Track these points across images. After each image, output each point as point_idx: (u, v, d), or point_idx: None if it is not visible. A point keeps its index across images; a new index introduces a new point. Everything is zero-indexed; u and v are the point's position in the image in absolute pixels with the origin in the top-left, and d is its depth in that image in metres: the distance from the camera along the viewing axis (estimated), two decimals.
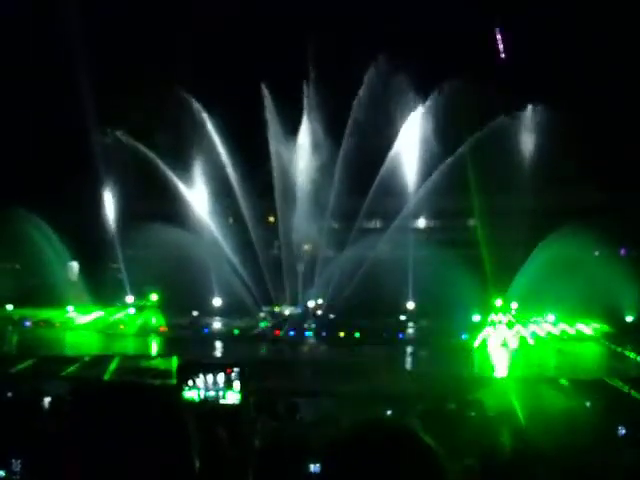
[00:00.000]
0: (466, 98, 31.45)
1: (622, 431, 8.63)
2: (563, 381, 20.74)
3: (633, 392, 17.47)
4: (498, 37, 34.70)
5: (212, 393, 10.01)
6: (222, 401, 9.83)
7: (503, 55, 35.28)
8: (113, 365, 22.38)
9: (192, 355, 26.72)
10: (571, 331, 33.16)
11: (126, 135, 38.87)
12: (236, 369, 10.09)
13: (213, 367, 10.54)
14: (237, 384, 9.93)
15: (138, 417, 1.41)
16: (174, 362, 22.51)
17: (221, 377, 10.07)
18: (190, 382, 9.93)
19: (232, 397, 9.84)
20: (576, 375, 22.67)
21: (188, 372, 10.29)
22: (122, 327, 35.54)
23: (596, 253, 36.57)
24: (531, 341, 32.26)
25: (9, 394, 12.34)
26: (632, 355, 27.79)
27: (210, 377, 10.14)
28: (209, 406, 8.96)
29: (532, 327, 33.90)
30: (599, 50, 33.93)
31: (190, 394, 9.74)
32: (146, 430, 1.40)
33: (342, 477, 1.48)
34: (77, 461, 1.35)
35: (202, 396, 9.91)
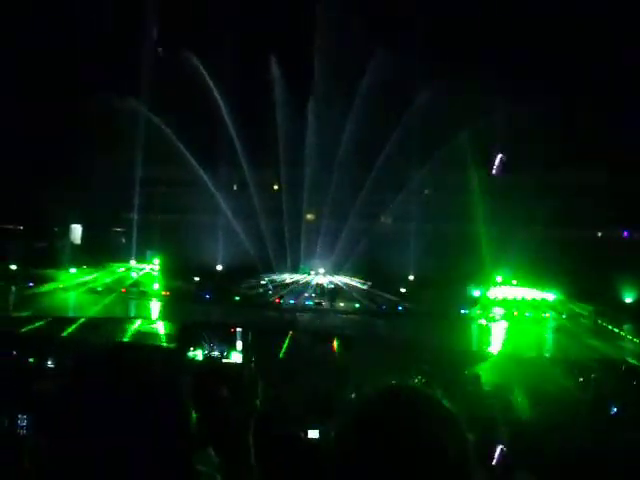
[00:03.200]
0: (470, 80, 31.14)
1: (614, 409, 8.78)
2: (558, 359, 20.97)
3: (627, 372, 17.65)
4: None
5: (215, 352, 10.09)
6: (225, 360, 9.89)
7: None
8: (114, 327, 22.62)
9: (193, 319, 27.00)
10: (570, 310, 33.34)
11: (130, 99, 38.61)
12: (239, 329, 10.15)
13: (216, 327, 10.60)
14: (240, 344, 10.00)
15: (140, 377, 1.44)
16: (176, 324, 22.78)
17: (224, 337, 10.12)
18: (194, 342, 10.01)
19: (235, 357, 9.90)
20: (571, 353, 22.90)
21: (192, 332, 10.34)
22: (124, 291, 35.78)
23: (598, 234, 36.58)
24: (529, 318, 32.48)
25: (14, 352, 12.49)
26: (628, 336, 28.00)
27: (213, 337, 10.21)
28: (212, 365, 9.06)
29: (530, 305, 34.10)
30: (589, 30, 33.51)
31: (193, 353, 9.81)
32: (147, 390, 1.42)
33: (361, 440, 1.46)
34: (77, 422, 1.39)
35: (205, 355, 9.99)
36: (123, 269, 37.89)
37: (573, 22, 34.01)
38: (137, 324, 25.00)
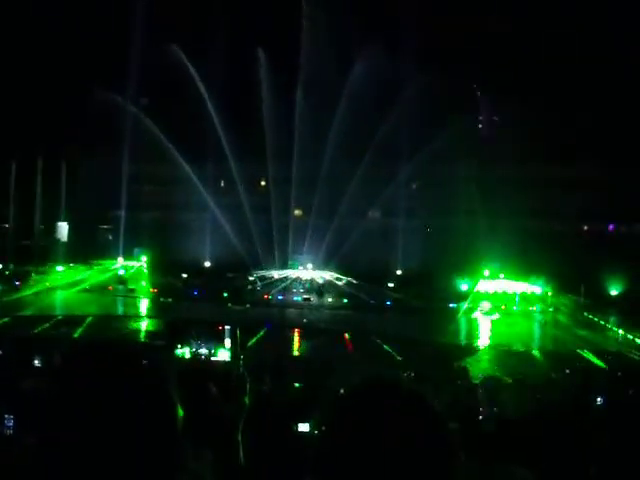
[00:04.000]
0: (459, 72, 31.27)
1: (599, 400, 8.88)
2: (544, 351, 21.15)
3: (611, 363, 17.81)
4: None
5: (203, 350, 10.06)
6: (213, 358, 9.86)
7: None
8: (99, 325, 22.51)
9: (181, 316, 26.90)
10: (556, 302, 33.60)
11: (117, 95, 38.36)
12: (227, 327, 10.12)
13: (204, 325, 10.56)
14: (228, 342, 9.98)
15: (126, 375, 1.43)
16: (164, 322, 22.70)
17: (212, 335, 10.09)
18: (181, 339, 9.98)
19: (223, 354, 9.88)
20: (558, 345, 23.10)
21: (180, 330, 10.31)
22: (110, 288, 35.57)
23: (584, 228, 36.89)
24: (516, 311, 32.70)
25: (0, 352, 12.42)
26: (614, 327, 28.28)
27: (201, 335, 10.18)
28: (200, 363, 9.01)
29: (518, 298, 34.32)
30: (586, 28, 33.76)
31: (181, 351, 9.78)
32: (134, 388, 1.41)
33: (348, 433, 1.47)
34: (63, 420, 1.38)
35: (193, 353, 9.96)
36: (114, 266, 37.73)
37: (563, 18, 34.17)
38: (124, 321, 24.91)
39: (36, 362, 10.97)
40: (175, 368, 1.57)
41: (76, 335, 19.94)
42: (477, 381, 12.68)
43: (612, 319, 29.91)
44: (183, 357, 9.59)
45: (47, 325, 22.10)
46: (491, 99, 35.03)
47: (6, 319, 22.65)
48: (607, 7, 32.20)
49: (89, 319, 23.45)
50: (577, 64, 33.90)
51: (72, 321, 23.27)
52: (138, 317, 28.20)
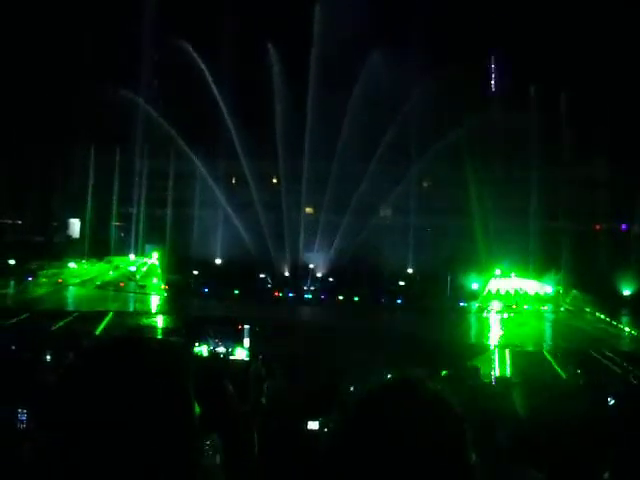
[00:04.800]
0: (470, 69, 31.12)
1: (611, 401, 8.83)
2: (556, 351, 21.04)
3: (624, 364, 17.72)
4: None
5: (221, 349, 10.03)
6: (231, 357, 9.83)
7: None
8: (112, 321, 22.64)
9: (192, 313, 27.01)
10: (568, 302, 33.42)
11: (129, 91, 38.50)
12: (246, 326, 10.09)
13: (222, 323, 10.52)
14: (247, 341, 9.94)
15: (143, 371, 1.43)
16: (177, 319, 22.78)
17: (230, 333, 10.06)
18: (198, 337, 9.96)
19: (241, 353, 9.84)
20: (569, 345, 22.96)
21: (196, 327, 10.28)
22: (122, 284, 35.77)
23: (597, 227, 36.63)
24: (527, 311, 32.55)
25: (13, 347, 12.50)
26: (626, 328, 28.08)
27: (219, 333, 10.15)
28: (217, 361, 9.01)
29: (529, 297, 34.17)
30: (592, 29, 33.48)
31: (199, 349, 9.75)
32: (150, 384, 1.41)
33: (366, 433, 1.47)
34: (77, 415, 1.38)
35: (210, 351, 9.94)
36: (125, 263, 37.93)
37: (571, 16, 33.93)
38: (138, 318, 25.03)
39: (52, 357, 11.05)
40: (193, 366, 1.55)
41: (95, 331, 20.06)
42: (488, 380, 12.65)
43: (624, 319, 29.70)
44: (201, 355, 9.57)
45: (64, 321, 22.23)
46: (505, 99, 34.84)
47: (25, 314, 22.81)
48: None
49: (109, 315, 23.57)
50: (598, 63, 33.65)
51: (88, 317, 23.43)
52: (151, 314, 28.34)
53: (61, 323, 21.75)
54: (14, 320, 21.53)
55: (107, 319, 22.66)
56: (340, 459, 1.45)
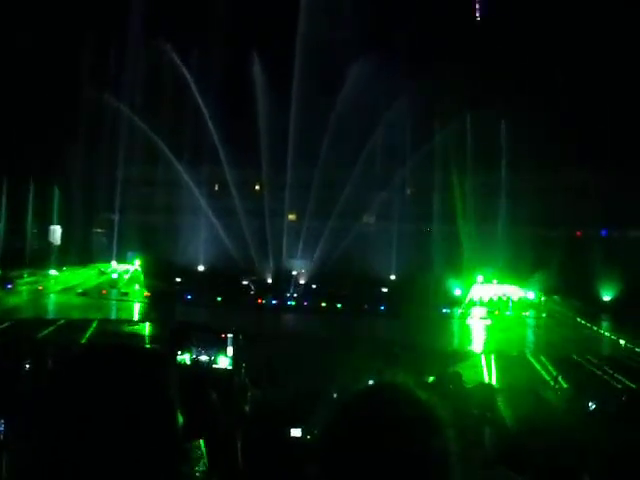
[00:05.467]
0: (453, 76, 31.39)
1: (592, 406, 8.92)
2: (538, 356, 21.21)
3: (605, 368, 17.91)
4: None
5: (204, 357, 9.96)
6: (215, 365, 9.78)
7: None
8: (95, 329, 22.41)
9: (175, 320, 26.81)
10: (549, 308, 33.72)
11: (110, 97, 38.30)
12: (230, 335, 10.03)
13: (207, 331, 10.44)
14: (230, 350, 9.88)
15: (124, 379, 1.40)
16: (161, 326, 22.59)
17: (215, 342, 9.99)
18: (183, 345, 9.88)
19: (224, 362, 9.79)
20: (551, 350, 23.13)
21: (181, 335, 10.19)
22: (104, 292, 35.47)
23: (578, 233, 37.07)
24: (510, 317, 32.80)
25: None
26: (606, 333, 28.40)
27: (203, 341, 10.08)
28: (201, 370, 8.94)
29: (511, 303, 34.43)
30: (581, 33, 33.94)
31: (182, 357, 9.69)
32: (132, 392, 1.39)
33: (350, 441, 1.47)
34: (57, 424, 1.36)
35: (193, 360, 9.87)
36: (107, 270, 37.65)
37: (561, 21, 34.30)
38: (120, 326, 24.80)
39: (32, 366, 10.88)
40: (176, 374, 1.54)
41: (67, 338, 19.82)
42: (470, 386, 12.70)
43: (605, 324, 30.05)
44: (184, 363, 9.50)
45: (48, 329, 21.94)
46: (489, 104, 35.14)
47: (7, 323, 22.49)
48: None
49: (94, 323, 23.30)
50: (583, 68, 34.07)
51: (72, 325, 23.17)
52: (134, 321, 28.11)
53: (46, 331, 21.47)
54: None
55: (92, 328, 22.41)
56: (326, 464, 1.46)
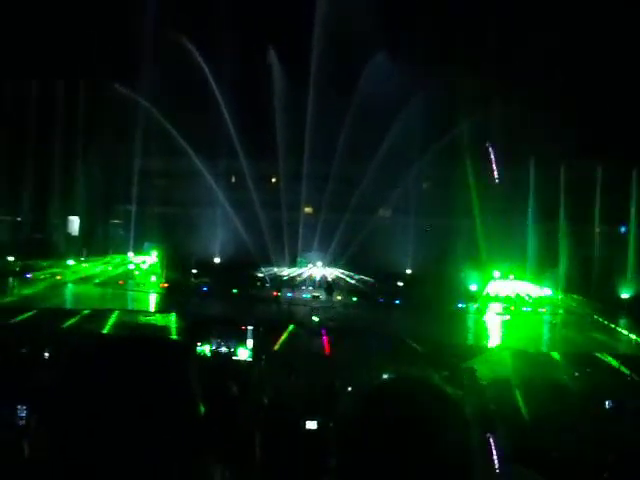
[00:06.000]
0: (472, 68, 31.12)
1: (609, 404, 8.85)
2: (554, 353, 21.06)
3: (622, 367, 17.76)
4: None
5: (224, 349, 10.03)
6: (234, 357, 9.82)
7: None
8: (113, 319, 22.59)
9: (192, 312, 26.97)
10: (566, 305, 33.45)
11: (127, 89, 38.47)
12: (250, 327, 10.09)
13: (226, 323, 10.53)
14: (250, 342, 9.94)
15: (148, 370, 1.41)
16: (180, 318, 22.73)
17: (233, 334, 10.05)
18: (203, 337, 9.95)
19: (244, 354, 9.84)
20: (567, 348, 22.98)
21: (201, 327, 10.27)
22: (122, 283, 35.76)
23: (596, 230, 36.66)
24: (526, 313, 32.58)
25: (16, 345, 12.47)
26: (624, 331, 28.12)
27: (223, 333, 10.15)
28: (221, 362, 9.01)
29: (527, 300, 34.20)
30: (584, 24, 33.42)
31: (202, 349, 9.74)
32: (156, 384, 1.40)
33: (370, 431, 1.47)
34: (76, 411, 1.37)
35: (213, 351, 9.94)
36: (124, 261, 37.94)
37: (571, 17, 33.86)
38: (139, 316, 24.97)
39: (53, 355, 11.03)
40: (197, 365, 1.54)
41: (85, 329, 20.02)
42: (485, 382, 12.66)
43: (622, 322, 29.74)
44: (204, 355, 9.56)
45: (74, 319, 22.15)
46: (505, 98, 34.82)
47: (31, 312, 22.75)
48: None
49: (114, 314, 23.45)
50: (596, 63, 33.63)
51: (80, 315, 23.35)
52: (151, 312, 28.30)
53: (72, 321, 21.67)
54: (21, 317, 21.50)
55: (113, 318, 22.58)
56: (343, 458, 1.46)
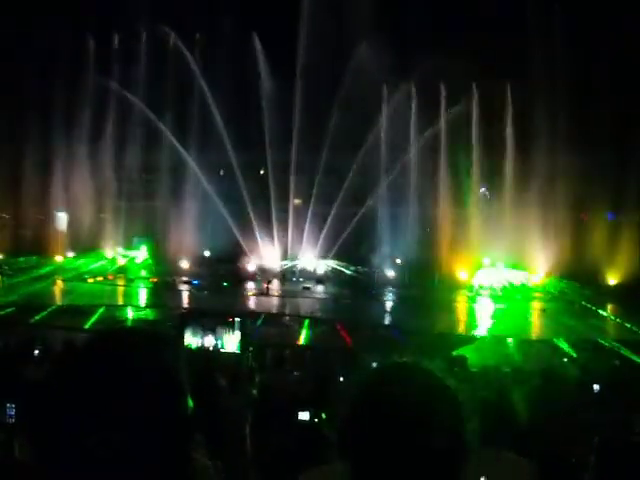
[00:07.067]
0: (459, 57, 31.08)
1: (597, 388, 8.96)
2: (544, 340, 21.25)
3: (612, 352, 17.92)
4: None
5: (212, 341, 10.03)
6: (222, 350, 9.83)
7: None
8: (102, 314, 22.52)
9: (182, 305, 26.97)
10: (555, 291, 33.71)
11: (115, 84, 38.23)
12: (237, 319, 10.08)
13: (215, 316, 10.52)
14: (238, 334, 9.94)
15: (136, 363, 1.40)
16: (168, 311, 22.68)
17: (222, 326, 10.04)
18: (191, 330, 9.92)
19: (231, 346, 9.85)
20: (556, 334, 23.16)
21: (189, 320, 10.25)
22: (111, 277, 35.62)
23: (584, 216, 36.90)
24: (515, 300, 32.80)
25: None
26: (611, 317, 28.39)
27: (211, 326, 10.14)
28: (209, 354, 9.01)
29: (516, 287, 34.42)
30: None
31: (190, 341, 9.74)
32: (144, 377, 1.39)
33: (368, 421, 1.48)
34: (66, 408, 1.36)
35: (202, 344, 9.93)
36: (114, 256, 37.79)
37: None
38: (128, 311, 24.91)
39: (39, 352, 10.97)
40: (185, 358, 1.54)
41: (86, 325, 19.94)
42: (475, 370, 12.74)
43: (610, 308, 30.02)
44: (191, 347, 9.56)
45: (45, 313, 22.08)
46: (492, 85, 34.87)
47: (9, 309, 22.62)
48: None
49: (101, 309, 23.37)
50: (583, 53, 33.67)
51: (78, 311, 23.26)
52: (141, 306, 28.22)
53: (44, 314, 21.60)
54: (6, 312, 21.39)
55: (99, 313, 22.51)
56: (343, 448, 1.47)
